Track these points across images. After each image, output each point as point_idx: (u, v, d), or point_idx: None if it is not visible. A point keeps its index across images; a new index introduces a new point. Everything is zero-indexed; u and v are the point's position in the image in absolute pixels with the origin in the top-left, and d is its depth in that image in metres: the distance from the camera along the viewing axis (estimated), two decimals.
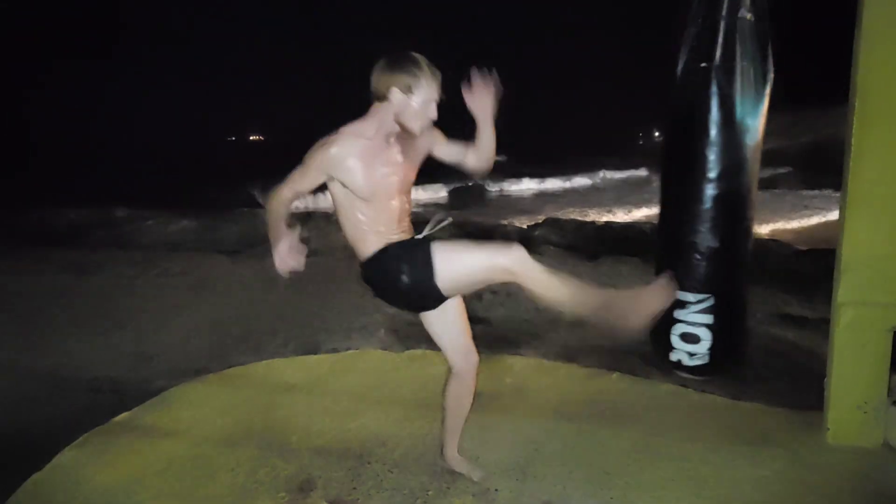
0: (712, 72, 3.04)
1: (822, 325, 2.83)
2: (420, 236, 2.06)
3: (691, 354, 3.15)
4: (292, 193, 1.98)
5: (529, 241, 7.25)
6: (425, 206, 16.16)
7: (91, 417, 2.86)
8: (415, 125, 1.96)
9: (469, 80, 1.98)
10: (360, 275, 2.11)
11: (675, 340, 3.16)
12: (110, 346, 3.98)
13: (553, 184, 23.17)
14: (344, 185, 1.95)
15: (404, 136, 2.03)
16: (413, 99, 1.92)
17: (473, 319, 4.34)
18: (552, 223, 8.43)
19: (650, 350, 3.35)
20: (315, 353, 3.78)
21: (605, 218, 12.65)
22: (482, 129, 2.06)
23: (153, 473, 2.44)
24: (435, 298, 2.00)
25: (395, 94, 1.92)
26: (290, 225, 2.00)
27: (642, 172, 24.77)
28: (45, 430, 2.81)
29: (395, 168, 2.00)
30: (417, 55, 1.93)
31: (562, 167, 24.51)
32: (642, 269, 5.42)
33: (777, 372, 3.47)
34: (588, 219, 10.89)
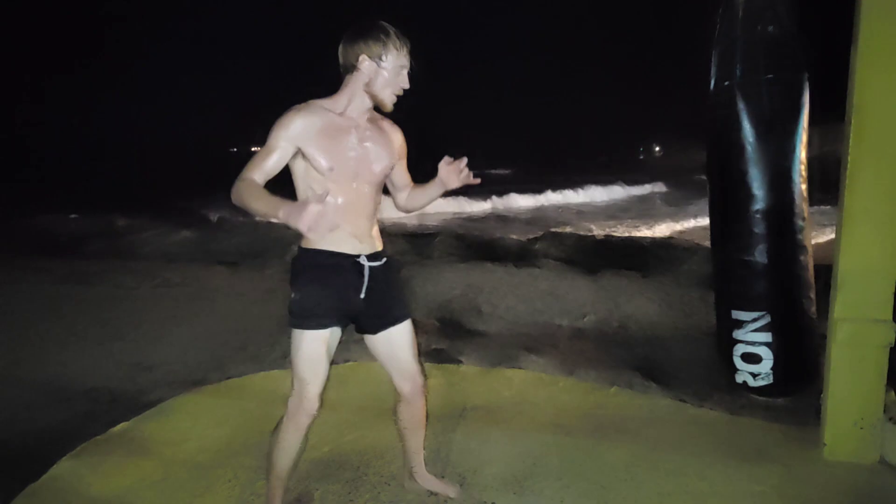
0: (735, 89, 3.06)
1: (820, 341, 2.84)
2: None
3: (755, 375, 3.06)
4: (260, 175, 1.83)
5: (529, 254, 7.27)
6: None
7: (89, 427, 2.86)
8: (386, 94, 1.92)
9: (451, 158, 2.02)
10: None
11: (738, 361, 3.09)
12: (108, 357, 3.98)
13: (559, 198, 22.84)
14: (304, 158, 1.87)
15: (378, 128, 2.00)
16: (383, 65, 1.89)
17: (472, 332, 4.38)
18: (552, 237, 8.44)
19: (717, 374, 3.31)
20: None
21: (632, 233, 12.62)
22: (432, 190, 2.08)
23: (150, 484, 2.43)
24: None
25: (364, 63, 1.88)
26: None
27: (647, 188, 24.63)
28: (42, 439, 2.81)
29: (360, 152, 1.92)
30: (385, 23, 1.91)
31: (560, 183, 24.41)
32: (641, 283, 5.44)
33: None
34: (588, 233, 10.92)
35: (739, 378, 3.14)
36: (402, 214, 2.35)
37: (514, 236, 9.62)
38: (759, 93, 3.00)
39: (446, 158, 2.03)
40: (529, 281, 5.53)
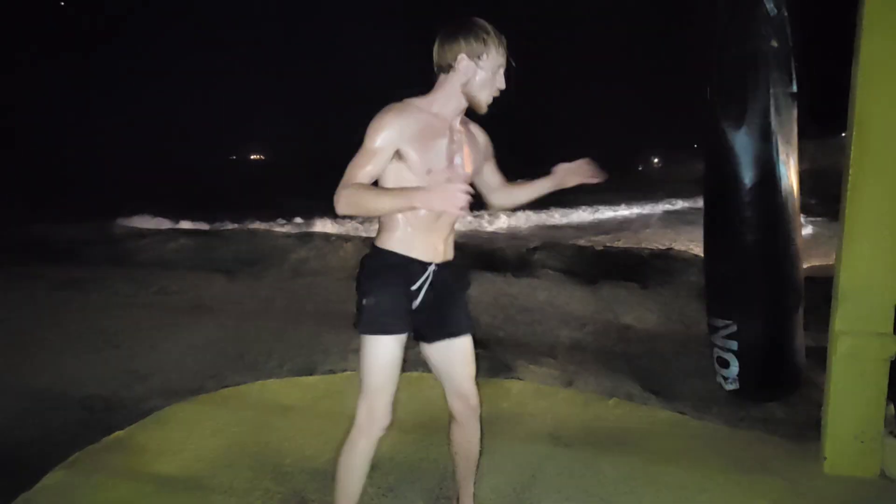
0: (729, 100, 3.12)
1: (820, 354, 2.83)
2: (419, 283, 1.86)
3: (725, 378, 3.28)
4: (366, 179, 1.75)
5: (528, 264, 7.26)
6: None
7: (83, 436, 2.83)
8: (483, 95, 1.85)
9: (585, 163, 1.99)
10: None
11: (715, 364, 3.33)
12: (104, 364, 3.95)
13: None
14: (399, 159, 1.79)
15: (467, 130, 1.94)
16: (482, 66, 1.81)
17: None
18: (551, 247, 8.45)
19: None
20: (311, 375, 3.76)
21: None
22: (540, 186, 2.03)
23: (145, 494, 2.40)
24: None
25: (463, 62, 1.80)
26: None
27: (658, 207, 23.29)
28: (36, 448, 2.78)
29: (454, 154, 1.86)
30: (483, 21, 1.84)
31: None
32: (641, 294, 5.43)
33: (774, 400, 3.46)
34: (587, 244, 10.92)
35: (718, 378, 3.34)
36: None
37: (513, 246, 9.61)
38: (752, 105, 3.05)
39: (586, 160, 1.99)
40: (528, 291, 5.53)
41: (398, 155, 1.79)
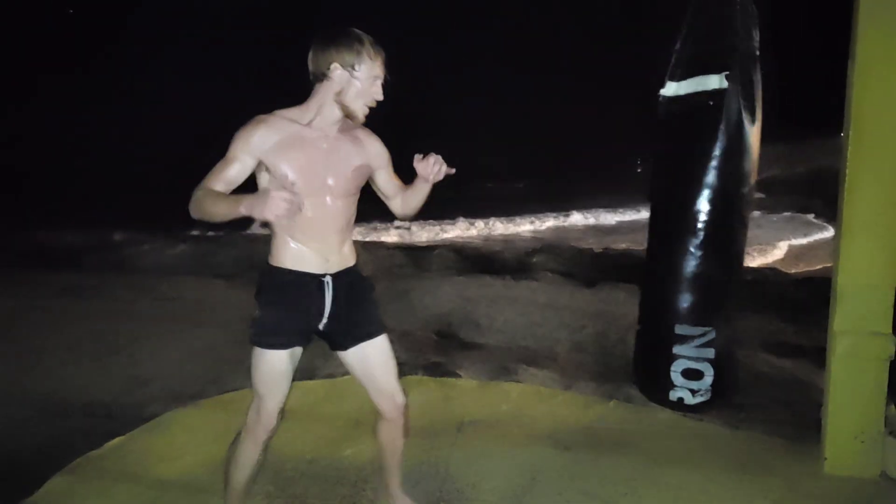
0: (683, 102, 3.05)
1: (820, 354, 2.83)
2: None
3: (694, 392, 3.07)
4: (220, 185, 1.77)
5: (527, 267, 7.27)
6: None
7: (84, 442, 2.83)
8: (357, 105, 1.83)
9: (422, 154, 1.90)
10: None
11: (677, 378, 3.07)
12: (105, 371, 3.95)
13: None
14: (267, 170, 1.81)
15: (352, 137, 1.91)
16: (356, 75, 1.79)
17: (470, 345, 4.36)
18: (550, 250, 8.45)
19: (645, 391, 3.29)
20: (311, 379, 3.76)
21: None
22: (420, 187, 1.96)
23: (146, 499, 2.41)
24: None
25: (336, 71, 1.79)
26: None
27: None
28: (37, 454, 2.78)
29: (328, 164, 1.84)
30: (359, 31, 1.83)
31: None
32: (639, 296, 5.43)
33: (775, 401, 3.46)
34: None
35: (674, 395, 3.09)
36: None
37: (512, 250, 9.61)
38: (707, 107, 2.98)
39: (417, 156, 1.91)
40: (527, 294, 5.53)
41: (265, 167, 1.80)
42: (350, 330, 1.99)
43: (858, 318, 2.51)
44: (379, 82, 1.85)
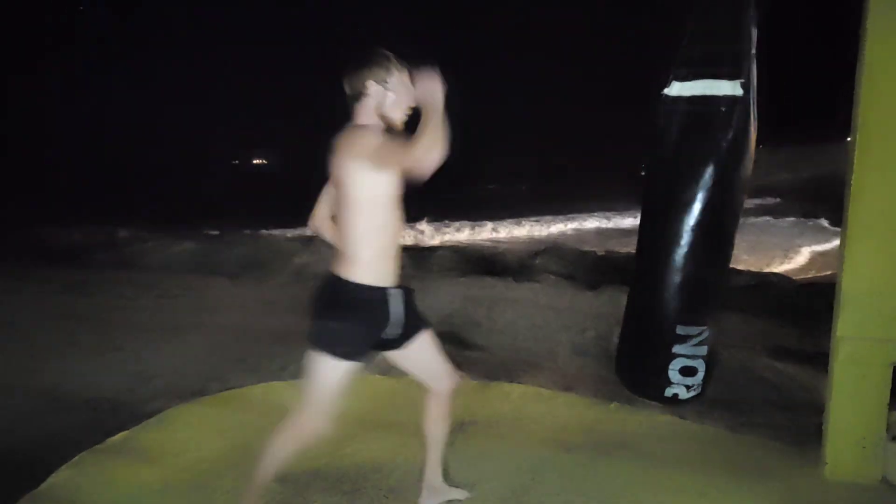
0: (680, 102, 3.06)
1: (822, 359, 2.84)
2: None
3: (688, 387, 3.13)
4: (399, 147, 1.80)
5: (529, 269, 7.28)
6: None
7: (88, 437, 2.85)
8: (396, 114, 2.00)
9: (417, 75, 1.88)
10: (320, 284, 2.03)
11: (675, 375, 3.14)
12: (109, 367, 3.97)
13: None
14: (359, 181, 1.88)
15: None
16: (389, 87, 1.97)
17: (471, 346, 4.38)
18: (552, 252, 8.45)
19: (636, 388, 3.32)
20: None
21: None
22: (427, 118, 1.82)
23: (149, 494, 2.42)
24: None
25: (372, 87, 1.96)
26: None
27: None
28: (41, 448, 2.80)
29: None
30: (382, 49, 2.01)
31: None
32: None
33: (776, 405, 3.47)
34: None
35: (670, 392, 3.16)
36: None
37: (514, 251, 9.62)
38: (702, 108, 2.99)
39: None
40: (529, 296, 5.54)
41: (363, 176, 1.88)
42: (405, 331, 2.10)
43: (861, 323, 2.51)
44: (410, 92, 1.98)
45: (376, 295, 1.98)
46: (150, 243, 10.36)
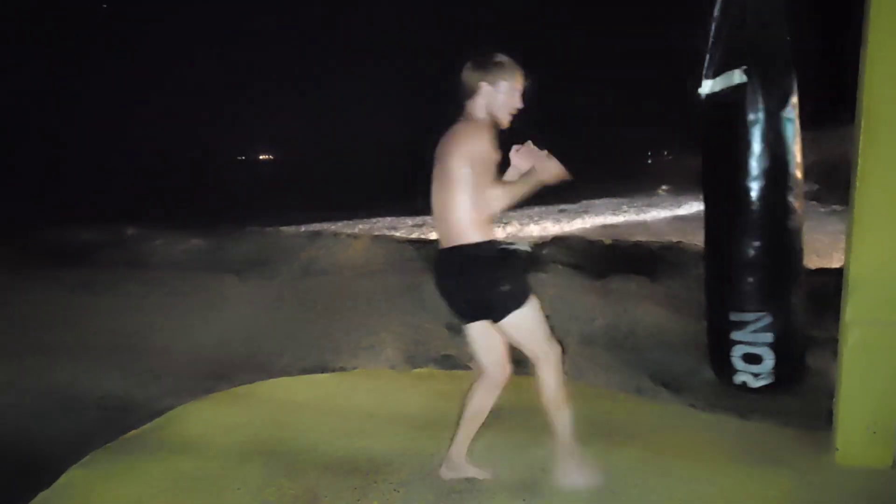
0: (725, 92, 3.10)
1: (833, 344, 2.82)
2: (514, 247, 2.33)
3: (756, 375, 3.18)
4: (495, 181, 2.18)
5: (537, 259, 7.25)
6: None
7: (99, 435, 2.88)
8: (503, 113, 2.23)
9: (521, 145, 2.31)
10: (440, 259, 2.27)
11: (738, 363, 3.21)
12: (119, 365, 4.00)
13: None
14: (477, 167, 2.12)
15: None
16: (499, 89, 2.20)
17: None
18: (560, 242, 8.42)
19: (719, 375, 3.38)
20: (322, 372, 3.79)
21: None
22: (525, 183, 2.23)
23: (160, 491, 2.44)
24: (491, 315, 2.25)
25: (484, 87, 2.20)
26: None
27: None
28: (53, 447, 2.83)
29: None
30: (500, 54, 2.24)
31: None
32: (650, 288, 5.41)
33: (786, 391, 3.44)
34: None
35: (738, 379, 3.17)
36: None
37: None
38: (748, 96, 3.04)
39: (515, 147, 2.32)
40: (537, 286, 5.49)
41: (479, 162, 2.15)
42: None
43: (870, 308, 2.49)
44: (517, 94, 2.25)
45: (499, 246, 2.25)
46: (159, 241, 10.41)
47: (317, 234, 9.62)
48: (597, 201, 19.82)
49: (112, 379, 3.74)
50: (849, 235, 2.53)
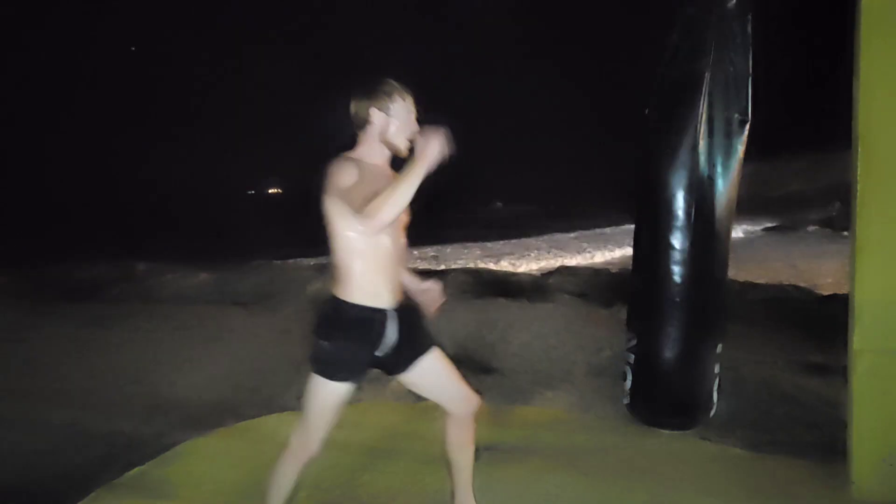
0: (662, 118, 3.14)
1: (846, 373, 2.78)
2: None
3: (624, 392, 3.31)
4: (367, 199, 1.85)
5: (543, 289, 7.23)
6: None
7: (105, 471, 2.86)
8: (400, 140, 2.05)
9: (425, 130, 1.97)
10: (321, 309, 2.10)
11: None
12: (126, 400, 3.99)
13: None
14: (341, 207, 1.92)
15: (393, 174, 2.06)
16: (392, 114, 2.04)
17: (486, 370, 4.34)
18: (566, 271, 8.42)
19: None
20: None
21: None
22: (408, 172, 1.88)
23: None
24: (423, 350, 2.13)
25: (376, 114, 2.03)
26: None
27: None
28: (59, 483, 2.81)
29: None
30: (387, 78, 2.09)
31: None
32: None
33: (800, 422, 3.38)
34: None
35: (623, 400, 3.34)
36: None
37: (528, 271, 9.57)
38: (692, 129, 3.04)
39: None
40: (544, 316, 5.50)
41: (341, 205, 1.92)
42: (410, 350, 2.12)
43: (878, 334, 2.46)
44: (412, 118, 2.07)
45: (366, 314, 2.02)
46: (168, 276, 10.48)
47: (324, 266, 9.65)
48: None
49: (119, 414, 3.74)
50: (852, 263, 2.51)
